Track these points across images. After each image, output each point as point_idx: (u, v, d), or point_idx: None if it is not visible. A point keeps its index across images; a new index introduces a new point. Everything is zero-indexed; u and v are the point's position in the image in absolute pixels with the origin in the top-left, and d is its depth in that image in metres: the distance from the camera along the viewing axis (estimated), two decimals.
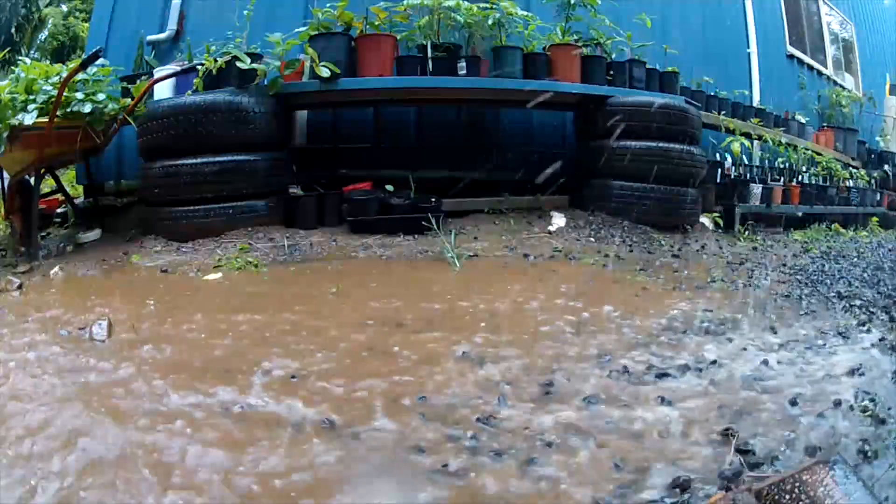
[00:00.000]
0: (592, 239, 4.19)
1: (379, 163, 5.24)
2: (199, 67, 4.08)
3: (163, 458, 1.46)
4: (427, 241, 3.92)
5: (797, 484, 1.13)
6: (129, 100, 4.06)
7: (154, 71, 4.58)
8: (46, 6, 13.24)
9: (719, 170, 5.80)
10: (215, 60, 4.04)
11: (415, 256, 3.65)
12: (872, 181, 7.75)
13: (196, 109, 3.80)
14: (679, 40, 6.04)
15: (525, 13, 4.71)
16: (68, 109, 3.66)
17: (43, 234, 4.29)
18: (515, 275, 3.38)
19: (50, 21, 12.99)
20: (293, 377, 1.93)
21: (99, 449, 1.48)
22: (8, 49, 10.35)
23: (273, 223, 3.97)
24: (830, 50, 8.97)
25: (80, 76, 3.77)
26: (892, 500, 1.30)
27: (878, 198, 7.76)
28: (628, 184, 4.55)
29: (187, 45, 5.02)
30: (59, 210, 4.83)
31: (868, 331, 2.47)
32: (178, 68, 4.25)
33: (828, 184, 6.81)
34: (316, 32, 4.33)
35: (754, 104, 6.84)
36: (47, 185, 4.30)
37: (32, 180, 3.80)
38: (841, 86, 8.93)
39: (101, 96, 3.79)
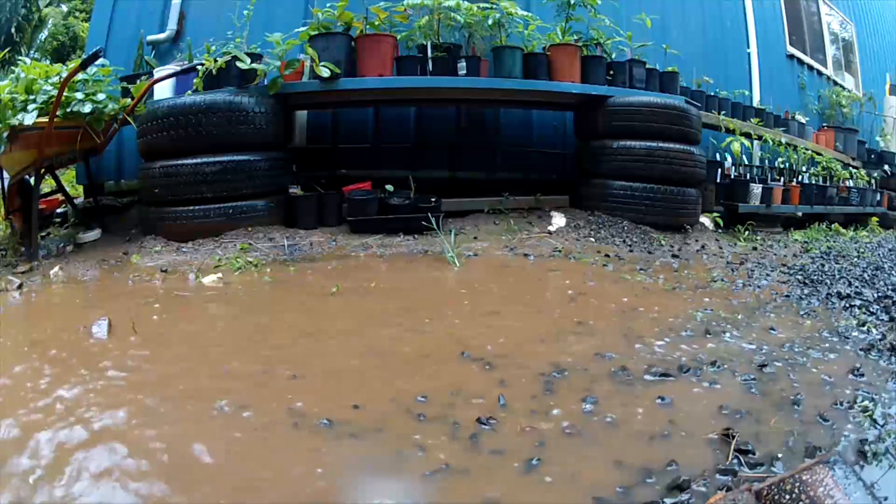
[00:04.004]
0: (592, 239, 4.19)
1: (379, 163, 5.24)
2: (199, 67, 4.08)
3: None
4: (427, 241, 3.92)
5: (797, 484, 1.13)
6: (129, 100, 4.06)
7: (154, 71, 4.58)
8: (46, 6, 13.24)
9: (719, 170, 5.80)
10: (215, 60, 4.04)
11: (415, 256, 3.65)
12: (872, 181, 7.75)
13: (196, 109, 3.80)
14: (679, 40, 6.04)
15: (525, 13, 4.71)
16: (68, 109, 3.66)
17: (43, 234, 4.29)
18: (515, 274, 3.38)
19: (50, 21, 12.99)
20: (294, 377, 1.93)
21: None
22: (8, 49, 10.36)
23: (273, 223, 3.97)
24: (830, 50, 8.97)
25: (80, 76, 3.77)
26: (892, 501, 1.30)
27: (878, 198, 7.76)
28: (628, 184, 4.56)
29: (187, 45, 5.02)
30: (59, 210, 4.83)
31: (868, 331, 2.48)
32: (178, 68, 4.24)
33: (828, 184, 6.81)
34: (316, 32, 4.33)
35: (754, 104, 6.84)
36: (47, 185, 4.30)
37: (32, 180, 3.80)
38: (841, 86, 8.93)
39: (101, 96, 3.79)
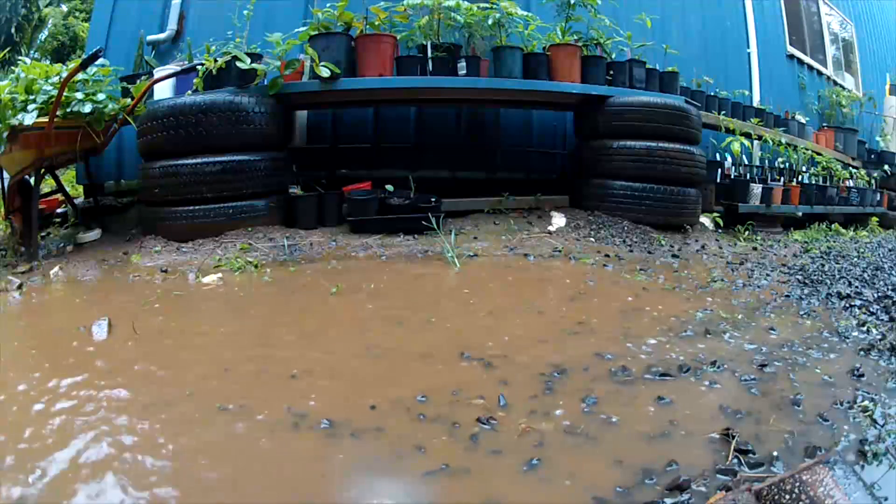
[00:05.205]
0: (592, 239, 4.19)
1: (379, 163, 5.24)
2: (199, 67, 4.08)
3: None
4: (427, 241, 3.92)
5: (797, 484, 1.13)
6: (129, 100, 4.06)
7: (154, 71, 4.57)
8: (46, 6, 13.23)
9: (719, 170, 5.80)
10: (215, 60, 4.04)
11: (415, 256, 3.65)
12: (872, 181, 7.76)
13: (196, 109, 3.80)
14: (679, 40, 6.05)
15: (525, 13, 4.71)
16: (68, 109, 3.66)
17: (43, 234, 4.29)
18: (515, 274, 3.38)
19: (50, 21, 12.98)
20: (292, 376, 1.93)
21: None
22: (8, 49, 10.36)
23: (273, 223, 3.97)
24: (830, 50, 8.98)
25: (80, 76, 3.76)
26: (892, 501, 1.30)
27: (878, 198, 7.77)
28: (628, 184, 4.56)
29: (187, 45, 5.02)
30: (59, 210, 4.83)
31: (867, 331, 2.48)
32: (178, 68, 4.24)
33: (828, 184, 6.81)
34: (316, 32, 4.33)
35: (754, 104, 6.85)
36: (47, 185, 4.30)
37: (32, 180, 3.80)
38: (841, 86, 8.93)
39: (101, 96, 3.78)
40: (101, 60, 3.87)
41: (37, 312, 2.84)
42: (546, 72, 4.68)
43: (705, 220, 5.12)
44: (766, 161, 6.65)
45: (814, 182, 6.65)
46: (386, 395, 1.79)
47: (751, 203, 5.62)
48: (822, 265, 4.01)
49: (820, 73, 8.59)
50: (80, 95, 3.71)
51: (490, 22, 4.56)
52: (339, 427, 1.61)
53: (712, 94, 6.14)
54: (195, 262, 3.42)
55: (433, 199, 4.27)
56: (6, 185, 3.99)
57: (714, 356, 2.13)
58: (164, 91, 4.30)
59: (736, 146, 5.36)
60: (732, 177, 5.92)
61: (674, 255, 3.98)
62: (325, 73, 4.04)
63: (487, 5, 4.55)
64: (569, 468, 1.44)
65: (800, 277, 3.52)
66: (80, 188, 5.70)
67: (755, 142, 6.52)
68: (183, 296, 2.91)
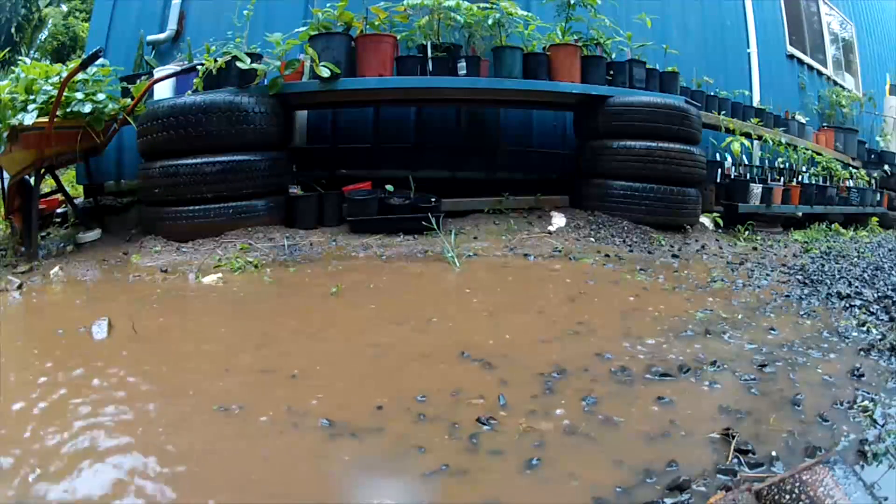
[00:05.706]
0: (592, 239, 4.19)
1: (379, 163, 5.24)
2: (199, 67, 4.08)
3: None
4: (427, 241, 3.92)
5: (797, 484, 1.13)
6: (129, 100, 4.06)
7: (154, 71, 4.58)
8: (46, 6, 13.22)
9: (719, 170, 5.80)
10: (215, 60, 4.04)
11: (415, 256, 3.65)
12: (872, 181, 7.76)
13: (196, 109, 3.80)
14: (679, 40, 6.05)
15: (525, 13, 4.71)
16: (68, 109, 3.66)
17: (43, 234, 4.29)
18: (515, 274, 3.38)
19: (50, 21, 12.98)
20: (292, 376, 1.93)
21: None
22: (8, 49, 10.36)
23: (273, 223, 3.97)
24: (830, 50, 8.98)
25: (80, 76, 3.77)
26: (892, 501, 1.30)
27: (878, 198, 7.76)
28: (628, 184, 4.56)
29: (187, 45, 5.02)
30: (59, 210, 4.83)
31: (867, 331, 2.48)
32: (178, 68, 4.24)
33: (828, 184, 6.81)
34: (316, 32, 4.33)
35: (754, 104, 6.84)
36: (47, 185, 4.30)
37: (32, 180, 3.80)
38: (841, 86, 8.93)
39: (101, 96, 3.79)
40: (101, 60, 3.87)
41: (37, 312, 2.84)
42: (546, 72, 4.68)
43: (705, 220, 5.12)
44: (766, 161, 6.65)
45: (814, 182, 6.65)
46: (386, 395, 1.79)
47: (751, 203, 5.62)
48: (822, 265, 4.01)
49: (820, 73, 8.58)
50: (80, 95, 3.71)
51: (490, 22, 4.56)
52: (339, 427, 1.61)
53: (712, 94, 6.14)
54: (195, 262, 3.42)
55: (433, 199, 4.27)
56: (6, 185, 3.99)
57: (714, 356, 2.13)
58: (164, 91, 4.31)
59: (736, 146, 5.35)
60: (732, 177, 5.92)
61: (674, 255, 3.98)
62: (325, 73, 4.04)
63: (487, 5, 4.55)
64: (569, 468, 1.44)
65: (800, 277, 3.52)
66: (80, 188, 5.69)
67: (755, 142, 6.52)
68: (183, 296, 2.91)
